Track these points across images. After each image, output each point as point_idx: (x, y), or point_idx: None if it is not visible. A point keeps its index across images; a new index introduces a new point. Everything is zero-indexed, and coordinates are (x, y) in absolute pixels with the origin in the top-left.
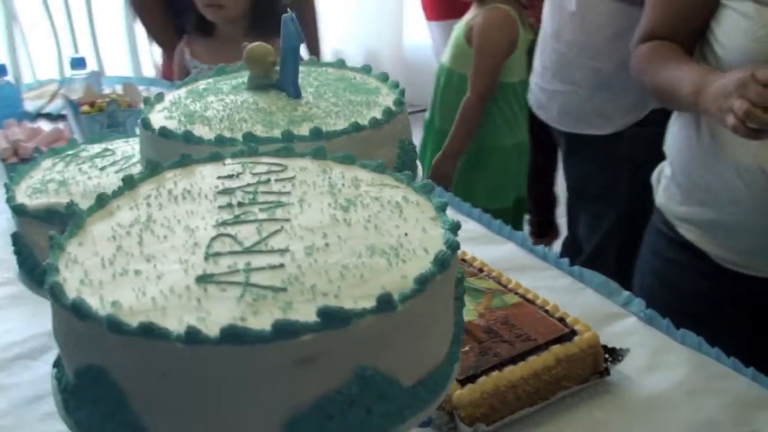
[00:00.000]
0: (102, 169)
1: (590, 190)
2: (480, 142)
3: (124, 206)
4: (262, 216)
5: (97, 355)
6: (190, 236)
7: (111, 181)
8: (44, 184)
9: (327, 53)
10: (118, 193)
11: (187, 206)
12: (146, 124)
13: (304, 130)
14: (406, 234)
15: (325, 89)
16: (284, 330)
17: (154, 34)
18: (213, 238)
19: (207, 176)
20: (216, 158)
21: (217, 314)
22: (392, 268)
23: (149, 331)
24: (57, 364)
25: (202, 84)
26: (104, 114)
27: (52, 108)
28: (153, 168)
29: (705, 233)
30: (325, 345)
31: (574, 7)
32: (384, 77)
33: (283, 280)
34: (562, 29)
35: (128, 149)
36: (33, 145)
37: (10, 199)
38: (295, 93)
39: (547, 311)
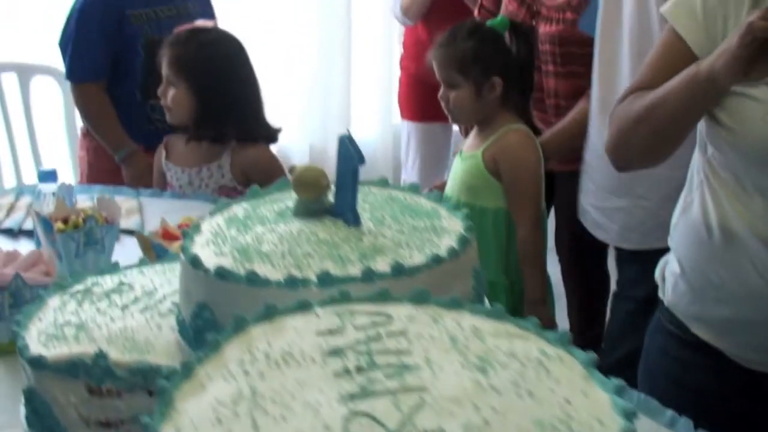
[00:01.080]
0: (124, 308)
1: (638, 292)
2: (498, 278)
3: (215, 376)
4: (392, 384)
5: None
6: (314, 416)
7: (138, 322)
8: (59, 329)
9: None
10: (203, 359)
11: (294, 374)
12: (196, 263)
13: (381, 265)
14: (568, 401)
15: (381, 213)
16: None
17: (110, 140)
18: (346, 419)
19: (303, 333)
20: (304, 308)
21: None
22: None
23: None
24: None
25: (239, 210)
26: (81, 231)
27: (11, 222)
28: (237, 324)
29: (720, 331)
30: None
31: None
32: (438, 197)
33: None
34: None
35: (147, 283)
36: (12, 271)
37: (23, 350)
38: (355, 220)
39: None
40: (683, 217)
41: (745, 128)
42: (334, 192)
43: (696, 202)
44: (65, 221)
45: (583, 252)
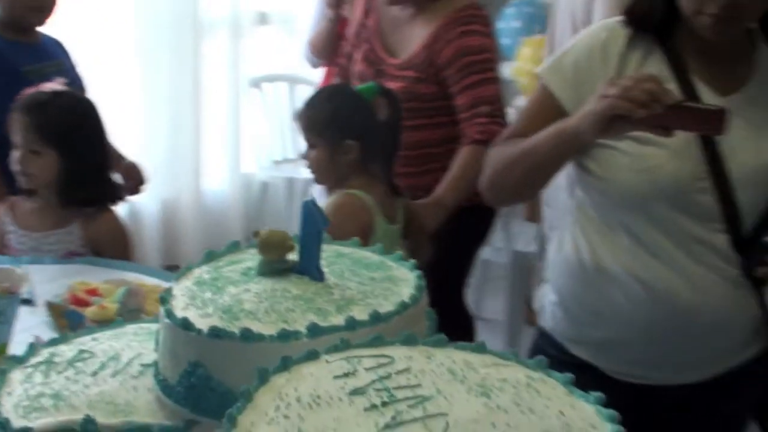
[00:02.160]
0: (94, 374)
1: None
2: None
3: (259, 423)
4: (417, 413)
5: None
6: None
7: (113, 387)
8: (35, 400)
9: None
10: (241, 409)
11: (329, 413)
12: (188, 326)
13: (359, 314)
14: (562, 413)
15: (338, 268)
16: None
17: None
18: None
19: (321, 378)
20: (314, 356)
21: None
22: None
23: None
24: None
25: (202, 273)
26: None
27: None
28: (261, 376)
29: (596, 350)
30: None
31: None
32: (380, 250)
33: None
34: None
35: (107, 348)
36: None
37: (5, 424)
38: (320, 276)
39: None
40: (558, 253)
41: (613, 176)
42: (298, 251)
43: (568, 240)
44: None
45: (442, 295)
